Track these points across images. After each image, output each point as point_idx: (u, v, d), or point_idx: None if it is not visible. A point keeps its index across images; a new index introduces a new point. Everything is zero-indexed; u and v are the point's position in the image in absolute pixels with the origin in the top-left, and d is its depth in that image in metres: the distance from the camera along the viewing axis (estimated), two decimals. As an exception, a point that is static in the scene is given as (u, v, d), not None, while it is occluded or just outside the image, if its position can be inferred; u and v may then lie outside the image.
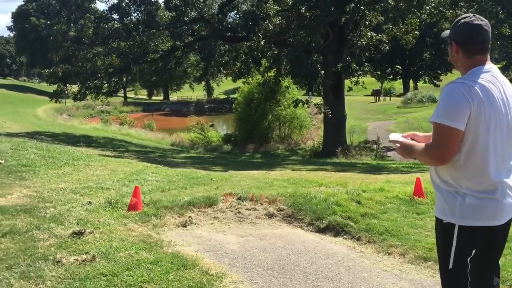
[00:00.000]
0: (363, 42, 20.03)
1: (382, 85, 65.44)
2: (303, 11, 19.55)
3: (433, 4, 20.22)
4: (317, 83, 21.10)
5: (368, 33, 20.17)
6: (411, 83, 65.92)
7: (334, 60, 20.46)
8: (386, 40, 21.86)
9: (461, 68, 2.43)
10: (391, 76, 62.74)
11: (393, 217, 5.47)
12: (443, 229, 2.41)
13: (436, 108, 2.32)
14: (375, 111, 44.65)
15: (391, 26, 22.15)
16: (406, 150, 2.56)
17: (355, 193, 6.21)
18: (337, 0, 18.56)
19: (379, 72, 57.87)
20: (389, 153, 23.02)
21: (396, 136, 2.71)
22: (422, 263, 4.32)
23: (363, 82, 22.44)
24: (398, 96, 57.79)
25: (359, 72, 22.13)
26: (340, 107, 21.04)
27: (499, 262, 2.52)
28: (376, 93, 56.41)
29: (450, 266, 2.38)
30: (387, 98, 56.21)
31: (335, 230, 5.23)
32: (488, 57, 2.40)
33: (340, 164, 14.68)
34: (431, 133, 2.45)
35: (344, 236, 5.10)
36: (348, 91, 23.21)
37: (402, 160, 19.96)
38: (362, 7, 18.84)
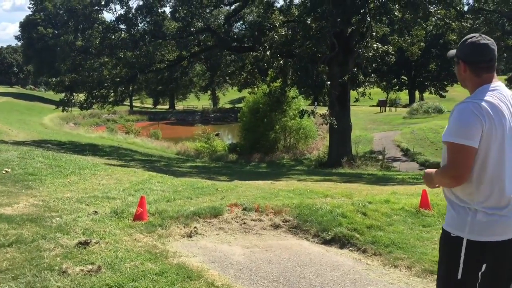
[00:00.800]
0: (369, 54, 20.07)
1: (387, 95, 65.37)
2: (309, 22, 19.63)
3: (439, 16, 20.27)
4: (323, 94, 21.13)
5: (374, 45, 20.22)
6: (417, 94, 65.82)
7: (340, 70, 20.52)
8: (392, 51, 21.91)
9: (469, 86, 2.47)
10: (397, 87, 62.71)
11: (399, 229, 5.43)
12: (450, 242, 2.43)
13: (448, 128, 2.35)
14: (380, 122, 44.59)
15: (397, 38, 22.21)
16: (427, 179, 2.58)
17: (361, 204, 6.19)
18: (343, 11, 18.64)
19: (385, 83, 57.84)
20: (395, 164, 22.96)
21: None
22: (429, 276, 4.28)
23: (370, 93, 22.47)
24: (404, 106, 57.71)
25: (366, 83, 22.16)
26: (345, 117, 21.05)
27: None
28: (381, 104, 56.40)
29: (459, 276, 2.37)
30: (393, 109, 56.17)
31: (340, 242, 5.20)
32: (495, 74, 2.45)
33: (346, 174, 14.65)
34: None
35: (350, 248, 5.07)
36: (354, 101, 23.21)
37: (408, 171, 19.90)
38: (368, 19, 18.91)
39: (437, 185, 2.54)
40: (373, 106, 58.49)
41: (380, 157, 23.71)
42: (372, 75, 25.03)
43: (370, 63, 22.07)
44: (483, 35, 2.45)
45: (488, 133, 2.28)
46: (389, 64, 23.80)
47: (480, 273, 2.36)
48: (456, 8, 20.71)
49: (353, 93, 24.00)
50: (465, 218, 2.36)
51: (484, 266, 2.35)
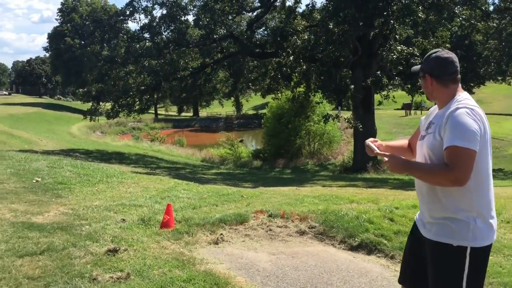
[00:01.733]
0: (393, 56, 19.86)
1: (412, 98, 64.55)
2: (331, 26, 19.57)
3: (464, 17, 19.94)
4: (347, 98, 21.04)
5: (398, 47, 19.99)
6: (443, 96, 64.83)
7: (363, 74, 20.38)
8: (417, 53, 21.64)
9: (440, 97, 2.62)
10: (422, 90, 61.90)
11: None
12: (451, 254, 2.42)
13: (451, 133, 2.38)
14: (406, 125, 44.03)
15: (421, 39, 21.92)
16: (399, 165, 2.54)
17: (388, 210, 6.12)
18: (366, 15, 18.53)
19: (409, 85, 57.11)
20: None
21: (371, 145, 2.77)
22: (459, 283, 4.20)
23: (393, 96, 22.23)
24: (429, 109, 56.83)
25: (389, 87, 21.93)
26: (370, 121, 20.87)
27: None
28: (406, 107, 55.74)
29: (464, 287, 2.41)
30: (418, 112, 55.44)
31: (368, 248, 5.16)
32: (460, 85, 2.63)
33: (371, 179, 14.51)
34: (400, 144, 2.86)
35: (377, 255, 5.02)
36: (378, 105, 23.00)
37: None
38: (391, 21, 18.73)
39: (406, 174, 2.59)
40: (398, 109, 57.86)
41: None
42: (396, 78, 24.77)
43: (394, 66, 21.83)
44: (445, 50, 2.65)
45: (483, 138, 2.39)
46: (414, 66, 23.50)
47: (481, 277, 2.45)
48: (481, 8, 20.35)
49: (377, 97, 23.80)
50: (467, 226, 2.39)
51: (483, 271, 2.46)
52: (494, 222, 2.45)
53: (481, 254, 2.41)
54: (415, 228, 2.78)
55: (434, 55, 2.64)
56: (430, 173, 2.45)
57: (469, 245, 2.38)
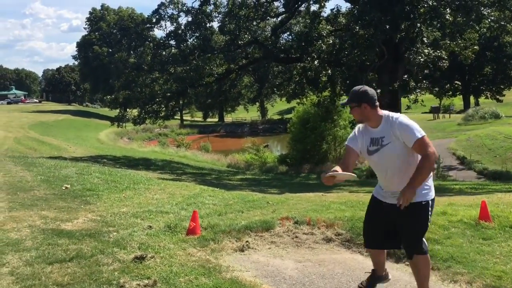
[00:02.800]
0: (421, 59, 19.54)
1: (441, 101, 63.46)
2: (357, 30, 19.42)
3: (492, 18, 19.50)
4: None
5: (426, 50, 19.67)
6: (472, 99, 63.44)
7: (389, 78, 20.14)
8: (445, 56, 21.26)
9: (374, 119, 3.68)
10: (450, 92, 60.73)
11: (458, 242, 5.22)
12: (424, 207, 3.64)
13: (410, 132, 3.51)
14: (434, 129, 43.29)
15: (448, 42, 21.54)
16: (414, 192, 3.51)
17: (416, 217, 5.99)
18: (392, 18, 18.32)
19: (437, 89, 56.21)
20: (451, 173, 22.17)
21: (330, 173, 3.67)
22: (491, 292, 4.09)
23: (422, 100, 21.88)
24: (458, 112, 55.86)
25: (417, 90, 21.60)
26: (397, 126, 20.56)
27: None
28: (434, 110, 54.84)
29: (427, 228, 3.75)
30: (447, 115, 54.47)
31: (396, 256, 5.06)
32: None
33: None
34: (345, 165, 3.79)
35: (406, 263, 4.90)
36: (406, 109, 22.64)
37: (465, 180, 19.15)
38: (418, 24, 18.44)
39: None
40: (426, 113, 56.94)
41: (435, 166, 23.00)
42: (424, 81, 24.37)
43: (422, 69, 21.50)
44: (365, 86, 3.74)
45: None
46: (442, 69, 23.07)
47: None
48: (510, 9, 19.85)
49: (404, 101, 23.47)
50: (429, 188, 3.70)
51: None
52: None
53: (433, 202, 3.72)
54: (375, 203, 3.90)
55: (363, 89, 3.69)
56: (425, 171, 3.51)
57: (430, 199, 3.67)
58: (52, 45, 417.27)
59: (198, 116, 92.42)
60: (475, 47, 22.87)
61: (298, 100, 27.56)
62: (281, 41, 27.05)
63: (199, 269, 4.33)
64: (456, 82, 59.41)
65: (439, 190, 12.52)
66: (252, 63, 28.53)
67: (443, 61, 21.12)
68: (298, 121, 30.01)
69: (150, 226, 5.69)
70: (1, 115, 56.92)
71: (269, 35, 26.38)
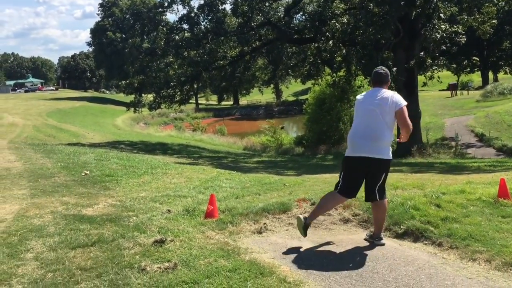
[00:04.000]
0: (437, 36, 19.17)
1: (458, 78, 62.41)
2: (371, 7, 19.10)
3: (512, -9, 18.99)
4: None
5: (442, 26, 19.27)
6: (491, 75, 62.23)
7: (405, 56, 19.85)
8: (462, 31, 20.81)
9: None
10: (468, 69, 59.60)
11: (477, 221, 5.19)
12: (389, 163, 4.75)
13: (399, 99, 4.67)
14: (452, 107, 42.72)
15: (466, 17, 21.06)
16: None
17: (434, 196, 5.97)
18: (407, -6, 17.98)
19: (455, 65, 55.22)
20: (469, 150, 21.92)
21: None
22: (510, 269, 4.08)
23: (439, 77, 21.51)
24: (477, 89, 54.95)
25: (434, 67, 21.25)
26: (414, 103, 20.31)
27: None
28: (452, 87, 54.00)
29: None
30: (465, 92, 53.63)
31: (414, 235, 5.06)
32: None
33: (416, 164, 14.18)
34: None
35: (424, 242, 4.92)
36: (422, 86, 22.31)
37: (484, 157, 18.92)
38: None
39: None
40: (443, 90, 56.14)
41: (453, 144, 22.76)
42: (441, 57, 23.95)
43: (438, 46, 21.11)
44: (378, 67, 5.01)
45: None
46: (459, 44, 22.62)
47: None
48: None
49: (421, 78, 23.14)
50: (391, 148, 4.77)
51: None
52: None
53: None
54: (356, 161, 4.72)
55: (386, 70, 4.96)
56: (408, 129, 4.69)
57: (390, 157, 4.73)
58: (67, 32, 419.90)
59: (213, 100, 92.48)
60: (493, 21, 22.32)
61: (313, 81, 27.37)
62: (295, 22, 26.79)
63: (218, 252, 4.39)
64: (474, 58, 58.27)
65: (457, 168, 12.44)
66: (266, 44, 28.34)
67: (461, 36, 20.69)
68: (314, 102, 29.82)
69: (169, 210, 5.76)
70: (19, 103, 57.71)
71: (282, 15, 26.12)
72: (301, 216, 4.91)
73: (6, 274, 3.85)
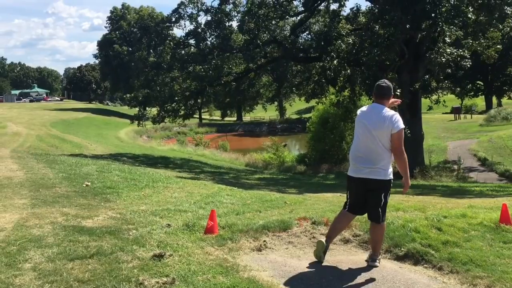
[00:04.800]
0: (442, 59, 19.27)
1: (462, 102, 62.51)
2: (377, 29, 19.25)
3: (516, 17, 19.15)
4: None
5: (448, 49, 19.39)
6: (494, 100, 62.31)
7: (410, 78, 19.95)
8: (468, 55, 20.92)
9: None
10: (472, 93, 59.74)
11: (478, 245, 5.17)
12: (388, 184, 4.71)
13: (398, 121, 4.62)
14: (455, 130, 42.72)
15: (471, 41, 21.19)
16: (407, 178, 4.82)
17: (435, 219, 5.95)
18: (413, 17, 18.12)
19: (459, 89, 55.35)
20: (471, 174, 21.85)
21: None
22: (512, 297, 4.04)
23: (444, 101, 21.59)
24: (480, 113, 54.96)
25: (438, 90, 21.32)
26: (417, 126, 20.38)
27: None
28: (456, 111, 54.06)
29: (388, 201, 4.81)
30: (468, 116, 53.68)
31: (414, 258, 5.03)
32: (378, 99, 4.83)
33: (418, 186, 14.13)
34: None
35: (425, 265, 4.89)
36: (428, 110, 22.34)
37: (487, 182, 18.86)
38: (440, 23, 18.20)
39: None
40: (447, 113, 56.19)
41: (455, 167, 22.69)
42: (445, 81, 24.05)
43: (443, 69, 21.21)
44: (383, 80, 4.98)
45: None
46: (465, 68, 22.72)
47: None
48: (535, 8, 19.45)
49: (425, 101, 23.16)
50: (391, 171, 4.73)
51: None
52: None
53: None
54: (356, 181, 4.77)
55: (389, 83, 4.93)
56: (405, 159, 4.69)
57: (390, 178, 4.71)
58: (74, 44, 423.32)
59: (217, 115, 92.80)
60: (498, 46, 22.48)
61: (317, 100, 27.46)
62: (300, 41, 27.03)
63: (217, 268, 4.37)
64: (478, 82, 58.46)
65: (459, 192, 12.39)
66: (271, 62, 28.54)
67: (466, 60, 20.79)
68: (318, 120, 29.87)
69: (169, 225, 5.74)
70: (24, 113, 57.99)
71: (288, 34, 26.36)
72: (323, 240, 4.91)
73: (3, 284, 3.82)
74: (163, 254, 4.57)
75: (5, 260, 4.34)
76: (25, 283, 3.86)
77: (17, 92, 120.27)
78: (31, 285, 3.82)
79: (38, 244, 4.82)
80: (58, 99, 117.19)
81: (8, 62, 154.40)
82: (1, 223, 5.61)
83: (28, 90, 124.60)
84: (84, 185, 8.58)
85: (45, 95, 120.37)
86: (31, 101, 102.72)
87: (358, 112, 4.93)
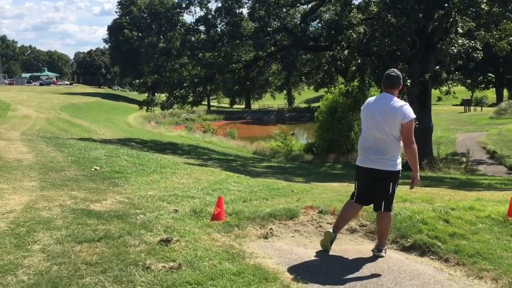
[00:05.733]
0: (454, 50, 19.04)
1: (472, 94, 61.92)
2: (388, 18, 19.04)
3: (531, 9, 18.84)
4: (403, 93, 20.45)
5: (460, 40, 19.14)
6: (505, 92, 61.65)
7: (420, 68, 19.75)
8: (480, 46, 20.65)
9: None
10: (483, 85, 59.09)
11: (485, 238, 5.15)
12: (397, 175, 4.71)
13: (408, 111, 4.61)
14: (464, 122, 42.42)
15: (483, 33, 20.90)
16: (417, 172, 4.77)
17: (443, 211, 5.93)
18: (426, 7, 17.89)
19: (469, 81, 54.76)
20: (480, 167, 21.73)
21: None
22: (518, 290, 4.03)
23: (454, 92, 21.37)
24: (491, 106, 54.45)
25: (449, 82, 21.10)
26: (426, 117, 20.22)
27: None
28: (466, 103, 53.61)
29: (396, 191, 4.82)
30: (478, 108, 53.22)
31: (421, 249, 5.02)
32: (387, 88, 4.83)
33: (426, 178, 14.06)
34: None
35: (431, 257, 4.88)
36: (437, 101, 22.15)
37: (495, 175, 18.74)
38: (453, 13, 17.94)
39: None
40: (457, 105, 55.75)
41: (464, 159, 22.57)
42: (456, 72, 23.81)
43: (455, 60, 20.97)
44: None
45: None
46: (476, 60, 22.45)
47: None
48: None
49: (435, 92, 22.97)
50: (400, 161, 4.74)
51: None
52: None
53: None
54: (365, 171, 4.77)
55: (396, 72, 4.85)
56: (415, 151, 4.67)
57: (399, 169, 4.71)
58: (84, 28, 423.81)
59: (225, 103, 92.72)
60: (510, 38, 22.17)
61: (326, 89, 27.31)
62: (311, 29, 26.82)
63: (223, 254, 4.39)
64: (489, 74, 57.82)
65: (468, 185, 12.33)
66: (281, 50, 28.37)
67: (478, 51, 20.53)
68: (326, 110, 29.74)
69: (176, 210, 5.77)
70: (34, 96, 58.24)
71: (299, 22, 26.15)
72: (331, 230, 4.91)
73: (12, 264, 3.88)
74: (170, 239, 4.60)
75: (14, 241, 4.40)
76: (34, 264, 3.91)
77: (27, 75, 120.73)
78: (40, 266, 3.87)
79: (47, 226, 4.87)
80: (68, 83, 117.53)
81: (18, 45, 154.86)
82: (11, 204, 5.67)
83: (38, 74, 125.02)
84: (93, 169, 8.63)
85: (55, 79, 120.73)
86: (41, 84, 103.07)
87: (366, 102, 4.89)
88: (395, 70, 4.89)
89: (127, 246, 4.42)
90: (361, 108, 4.95)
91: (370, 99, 4.93)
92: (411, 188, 4.90)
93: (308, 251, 4.90)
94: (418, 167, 4.73)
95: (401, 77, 4.86)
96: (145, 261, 4.03)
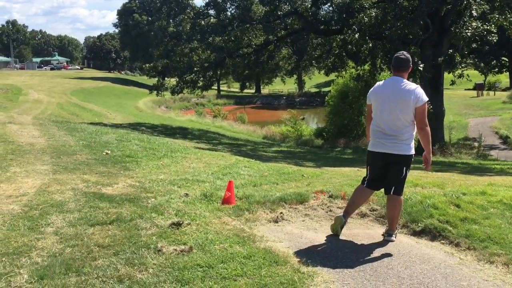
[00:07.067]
0: (467, 33, 18.72)
1: (485, 78, 61.10)
2: (401, 1, 18.75)
3: (547, -9, 18.43)
4: (415, 77, 20.21)
5: (474, 23, 18.81)
6: (519, 77, 60.67)
7: (433, 52, 19.50)
8: (494, 29, 20.29)
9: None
10: (497, 69, 58.21)
11: (496, 223, 5.12)
12: (410, 158, 4.69)
13: (422, 94, 4.58)
14: (477, 106, 41.97)
15: (497, 16, 20.50)
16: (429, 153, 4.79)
17: (454, 195, 5.90)
18: (439, -11, 17.59)
19: (482, 65, 53.99)
20: (492, 152, 21.54)
21: None
22: (529, 275, 4.01)
23: (468, 75, 21.08)
24: (504, 90, 53.77)
25: (462, 65, 20.80)
26: (438, 101, 20.00)
27: None
28: (479, 87, 52.99)
29: (408, 175, 4.80)
30: (491, 93, 52.58)
31: (431, 234, 5.01)
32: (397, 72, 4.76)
33: (438, 163, 13.99)
34: None
35: (442, 241, 4.87)
36: (450, 85, 21.84)
37: (507, 160, 18.58)
38: (466, -4, 17.60)
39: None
40: (469, 89, 55.11)
41: (476, 144, 22.37)
42: (470, 56, 23.46)
43: (468, 44, 20.64)
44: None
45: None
46: (490, 44, 22.09)
47: None
48: None
49: (448, 76, 22.65)
50: (413, 145, 4.73)
51: None
52: None
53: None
54: (377, 156, 4.73)
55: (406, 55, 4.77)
56: (428, 134, 4.68)
57: (412, 153, 4.70)
58: (94, 13, 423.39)
59: (235, 87, 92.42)
60: (525, 21, 21.69)
61: (336, 73, 27.09)
62: (322, 13, 26.48)
63: (234, 238, 4.42)
64: (503, 58, 56.94)
65: (479, 170, 12.24)
66: (291, 34, 28.11)
67: (492, 34, 20.17)
68: (337, 94, 29.52)
69: (187, 194, 5.81)
70: (45, 80, 58.57)
71: (309, 6, 25.84)
72: (341, 215, 4.90)
73: (26, 246, 3.94)
74: (181, 222, 4.64)
75: (28, 223, 4.46)
76: (47, 246, 3.97)
77: (38, 60, 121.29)
78: (53, 248, 3.93)
79: (60, 209, 4.93)
80: (78, 67, 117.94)
81: (29, 29, 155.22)
82: (24, 188, 5.74)
83: (49, 58, 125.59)
84: (104, 153, 8.70)
85: (65, 63, 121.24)
86: (52, 69, 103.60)
87: (375, 87, 4.84)
88: (404, 52, 4.82)
89: (139, 229, 4.46)
90: (368, 93, 4.90)
91: (379, 83, 4.88)
92: (427, 169, 4.93)
93: (318, 235, 4.91)
94: (431, 149, 4.75)
95: (411, 59, 4.79)
96: (156, 244, 4.07)
